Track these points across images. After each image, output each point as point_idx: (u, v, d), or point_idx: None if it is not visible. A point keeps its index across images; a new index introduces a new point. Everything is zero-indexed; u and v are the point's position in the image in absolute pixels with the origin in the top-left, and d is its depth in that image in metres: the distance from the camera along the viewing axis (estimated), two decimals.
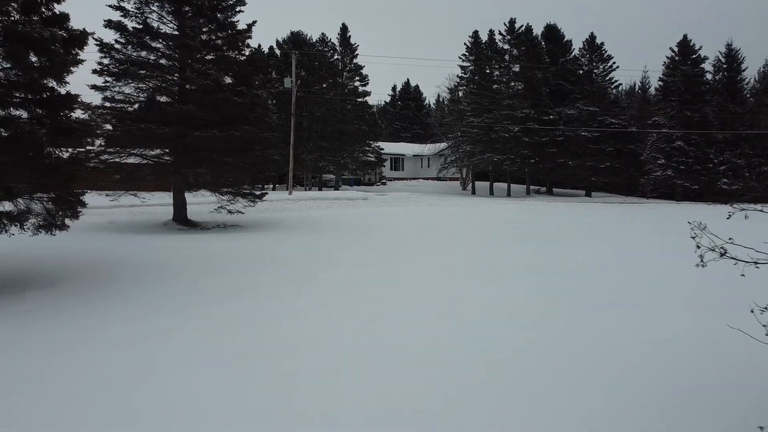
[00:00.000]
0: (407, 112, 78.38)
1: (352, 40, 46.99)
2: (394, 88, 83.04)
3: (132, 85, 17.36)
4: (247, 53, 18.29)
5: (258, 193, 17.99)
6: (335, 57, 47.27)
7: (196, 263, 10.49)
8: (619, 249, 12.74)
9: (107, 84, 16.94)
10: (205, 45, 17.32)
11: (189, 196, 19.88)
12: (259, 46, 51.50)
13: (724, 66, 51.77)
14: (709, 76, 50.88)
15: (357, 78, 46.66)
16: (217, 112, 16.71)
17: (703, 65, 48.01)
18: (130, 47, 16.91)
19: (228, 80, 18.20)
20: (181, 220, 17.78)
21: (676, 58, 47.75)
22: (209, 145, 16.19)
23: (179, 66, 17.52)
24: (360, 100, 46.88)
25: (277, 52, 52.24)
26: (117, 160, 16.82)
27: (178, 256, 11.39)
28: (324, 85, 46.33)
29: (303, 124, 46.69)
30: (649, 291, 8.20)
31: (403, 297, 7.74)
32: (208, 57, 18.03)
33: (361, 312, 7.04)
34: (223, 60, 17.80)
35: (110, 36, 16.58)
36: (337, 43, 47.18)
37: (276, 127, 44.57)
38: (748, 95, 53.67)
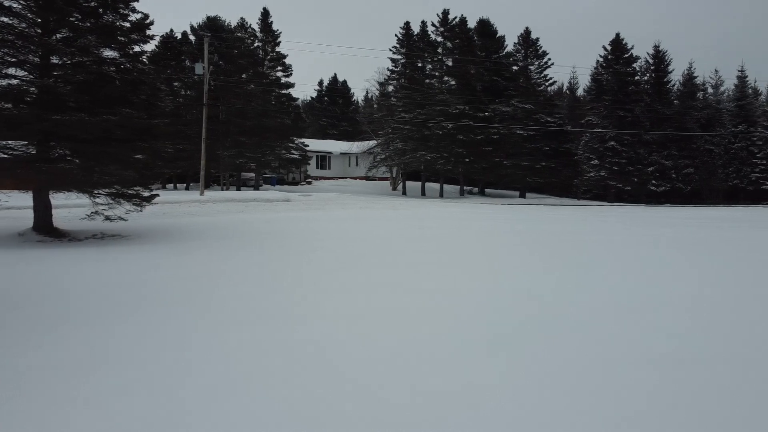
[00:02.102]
0: (334, 108, 75.04)
1: (275, 27, 43.18)
2: (320, 83, 79.58)
3: None
4: (133, 19, 14.55)
5: (146, 194, 14.27)
6: (256, 44, 43.33)
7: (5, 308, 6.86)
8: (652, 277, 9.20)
9: None
10: (72, 4, 13.46)
11: (61, 198, 15.91)
12: (171, 31, 46.83)
13: (652, 68, 51.73)
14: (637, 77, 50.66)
15: (279, 68, 42.95)
16: (89, 91, 12.98)
17: (635, 65, 47.61)
18: None
19: (109, 53, 14.46)
20: (43, 228, 13.83)
21: (609, 56, 47.05)
22: (76, 133, 12.43)
23: (41, 31, 13.63)
24: (283, 91, 43.23)
25: (192, 38, 47.73)
26: None
27: None
28: (244, 76, 42.42)
29: (220, 117, 42.57)
30: None
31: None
32: (84, 24, 14.24)
33: None
34: (100, 26, 14.01)
35: None
36: (257, 30, 43.23)
37: (170, 113, 40.35)
38: (673, 98, 53.92)
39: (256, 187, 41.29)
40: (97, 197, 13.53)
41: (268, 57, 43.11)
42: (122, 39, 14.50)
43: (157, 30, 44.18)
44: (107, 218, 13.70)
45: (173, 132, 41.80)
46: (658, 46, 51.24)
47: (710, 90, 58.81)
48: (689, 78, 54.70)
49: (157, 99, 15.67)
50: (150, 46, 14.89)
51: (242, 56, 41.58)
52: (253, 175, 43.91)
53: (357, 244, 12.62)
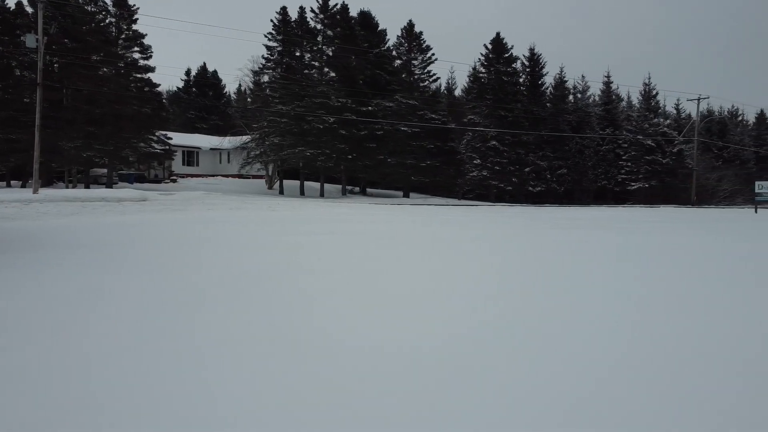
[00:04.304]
0: (204, 100, 69.38)
1: (131, 2, 37.78)
2: (188, 73, 73.38)
3: None
4: None
5: None
6: (108, 20, 37.74)
7: None
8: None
9: None
10: None
11: None
12: (4, 1, 39.73)
13: (528, 70, 52.48)
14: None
15: (137, 49, 37.71)
16: None
17: (514, 65, 47.79)
18: None
19: None
20: None
21: (490, 55, 46.80)
22: None
23: None
24: (142, 76, 38.04)
25: (29, 10, 40.83)
26: None
27: None
28: (95, 57, 36.74)
29: (64, 103, 36.65)
30: None
31: None
32: None
33: None
34: None
35: None
36: (109, 3, 37.62)
37: (10, 102, 34.26)
38: (546, 101, 55.18)
39: (109, 185, 35.86)
40: None
41: (123, 36, 37.71)
42: None
43: None
44: None
45: (3, 118, 35.48)
46: (533, 49, 52.10)
47: (579, 95, 61.18)
48: (561, 82, 56.36)
49: None
50: None
51: (91, 33, 35.94)
52: (105, 171, 38.29)
53: (222, 260, 9.11)
